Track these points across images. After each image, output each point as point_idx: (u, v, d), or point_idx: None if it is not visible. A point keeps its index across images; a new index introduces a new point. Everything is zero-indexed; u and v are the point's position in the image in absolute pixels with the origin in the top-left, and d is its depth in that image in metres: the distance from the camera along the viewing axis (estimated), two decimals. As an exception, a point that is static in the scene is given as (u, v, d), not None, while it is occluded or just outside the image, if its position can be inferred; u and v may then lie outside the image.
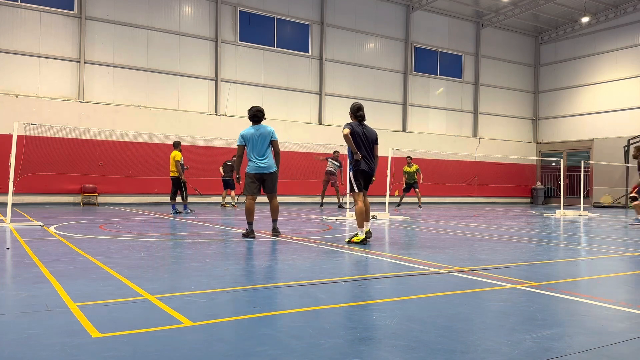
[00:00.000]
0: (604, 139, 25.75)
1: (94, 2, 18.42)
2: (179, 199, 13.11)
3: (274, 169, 7.60)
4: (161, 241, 7.15)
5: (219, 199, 17.69)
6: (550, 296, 3.93)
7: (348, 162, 7.25)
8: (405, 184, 18.00)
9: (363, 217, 7.05)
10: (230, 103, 20.80)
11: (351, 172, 7.16)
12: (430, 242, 7.78)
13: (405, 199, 18.29)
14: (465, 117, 27.11)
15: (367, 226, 7.14)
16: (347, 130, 6.95)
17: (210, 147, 18.02)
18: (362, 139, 7.06)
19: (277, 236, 7.72)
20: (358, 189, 7.14)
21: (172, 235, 8.08)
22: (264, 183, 7.60)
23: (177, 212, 12.95)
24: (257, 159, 7.49)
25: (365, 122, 7.26)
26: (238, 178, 7.93)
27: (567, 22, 27.18)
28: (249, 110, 7.69)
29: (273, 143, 7.57)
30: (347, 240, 7.22)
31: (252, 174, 7.53)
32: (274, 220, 7.86)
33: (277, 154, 7.62)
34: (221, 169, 16.96)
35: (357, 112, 7.18)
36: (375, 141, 7.25)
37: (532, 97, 29.33)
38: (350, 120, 7.27)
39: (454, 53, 26.56)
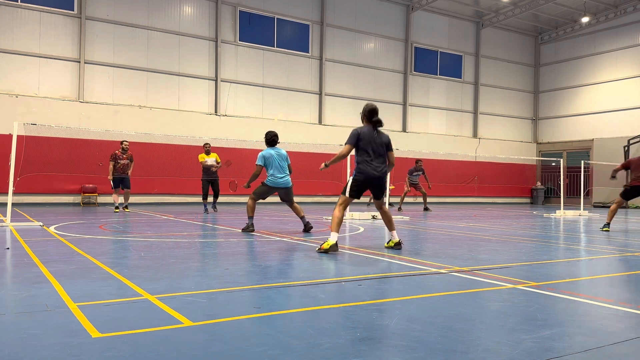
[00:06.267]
0: (604, 139, 25.75)
1: (94, 2, 18.42)
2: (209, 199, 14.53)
3: (290, 184, 8.75)
4: (161, 241, 7.15)
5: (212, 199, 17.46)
6: (550, 296, 3.92)
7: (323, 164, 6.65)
8: None
9: (339, 222, 6.29)
10: (230, 103, 20.80)
11: (352, 177, 6.51)
12: (430, 242, 7.78)
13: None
14: (465, 117, 27.11)
15: (395, 237, 6.57)
16: (345, 149, 6.30)
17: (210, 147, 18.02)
18: (371, 144, 6.32)
19: (309, 230, 8.60)
20: (349, 194, 6.43)
21: (172, 235, 8.08)
22: (280, 194, 8.76)
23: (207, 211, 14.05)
24: (277, 176, 8.60)
25: (380, 129, 6.44)
26: (245, 186, 8.82)
27: (567, 22, 27.19)
28: (267, 134, 8.83)
29: (289, 165, 8.80)
30: (317, 249, 6.23)
31: (270, 186, 8.64)
32: (302, 217, 8.79)
33: (290, 171, 8.83)
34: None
35: (371, 117, 6.37)
36: (387, 147, 6.46)
37: (532, 97, 29.33)
38: (361, 125, 6.51)
39: (454, 53, 26.56)
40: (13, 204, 9.59)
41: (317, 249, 6.28)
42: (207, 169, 14.18)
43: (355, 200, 6.75)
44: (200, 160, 14.35)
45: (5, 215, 9.28)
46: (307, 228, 8.66)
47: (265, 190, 8.70)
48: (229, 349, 2.58)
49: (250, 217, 8.60)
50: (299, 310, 3.40)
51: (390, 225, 6.68)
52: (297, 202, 9.03)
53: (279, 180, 8.59)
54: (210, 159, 14.29)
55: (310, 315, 3.31)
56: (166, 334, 2.82)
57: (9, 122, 11.71)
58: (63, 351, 2.50)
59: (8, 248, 6.12)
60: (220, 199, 15.90)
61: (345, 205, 6.47)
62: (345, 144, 6.37)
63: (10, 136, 9.78)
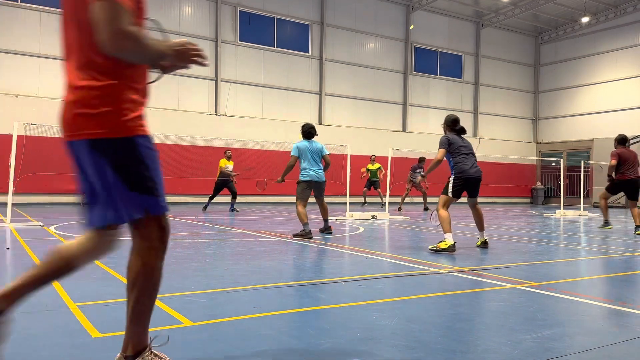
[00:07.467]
0: (604, 139, 25.70)
1: (94, 2, 18.41)
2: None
3: (324, 179, 8.46)
4: (161, 241, 7.13)
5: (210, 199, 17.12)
6: (550, 296, 3.93)
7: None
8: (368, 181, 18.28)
9: (448, 222, 6.51)
10: (230, 103, 20.80)
11: (452, 177, 6.79)
12: (430, 242, 7.77)
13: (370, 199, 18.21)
14: (465, 117, 27.07)
15: (483, 236, 6.86)
16: (440, 154, 6.77)
17: (210, 147, 18.00)
18: (462, 147, 6.85)
19: (330, 234, 8.43)
20: (452, 193, 6.71)
21: (172, 235, 8.08)
22: (315, 190, 8.37)
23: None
24: (313, 170, 8.27)
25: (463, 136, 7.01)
26: (278, 181, 8.60)
27: (567, 22, 27.18)
28: (304, 126, 8.53)
29: (325, 157, 8.44)
30: (431, 247, 6.49)
31: (308, 181, 8.25)
32: (326, 220, 8.62)
33: (328, 164, 8.48)
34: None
35: (455, 126, 6.96)
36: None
37: (532, 97, 29.33)
38: (445, 133, 7.03)
39: (454, 53, 26.56)
40: (13, 204, 9.59)
41: (430, 246, 6.48)
42: (224, 173, 14.65)
43: (368, 200, 6.96)
44: (221, 165, 14.79)
45: (5, 215, 9.28)
46: (327, 230, 8.48)
47: (305, 187, 8.25)
48: (229, 349, 2.58)
49: (306, 224, 7.97)
50: (298, 310, 3.40)
51: (479, 224, 6.96)
52: (295, 202, 8.99)
53: (313, 173, 8.22)
54: (232, 166, 14.87)
55: (310, 315, 3.31)
56: (166, 333, 2.81)
57: (9, 122, 11.70)
58: (63, 351, 2.50)
59: (8, 248, 6.11)
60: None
61: (447, 204, 6.68)
62: (439, 149, 6.84)
63: (10, 136, 9.77)
